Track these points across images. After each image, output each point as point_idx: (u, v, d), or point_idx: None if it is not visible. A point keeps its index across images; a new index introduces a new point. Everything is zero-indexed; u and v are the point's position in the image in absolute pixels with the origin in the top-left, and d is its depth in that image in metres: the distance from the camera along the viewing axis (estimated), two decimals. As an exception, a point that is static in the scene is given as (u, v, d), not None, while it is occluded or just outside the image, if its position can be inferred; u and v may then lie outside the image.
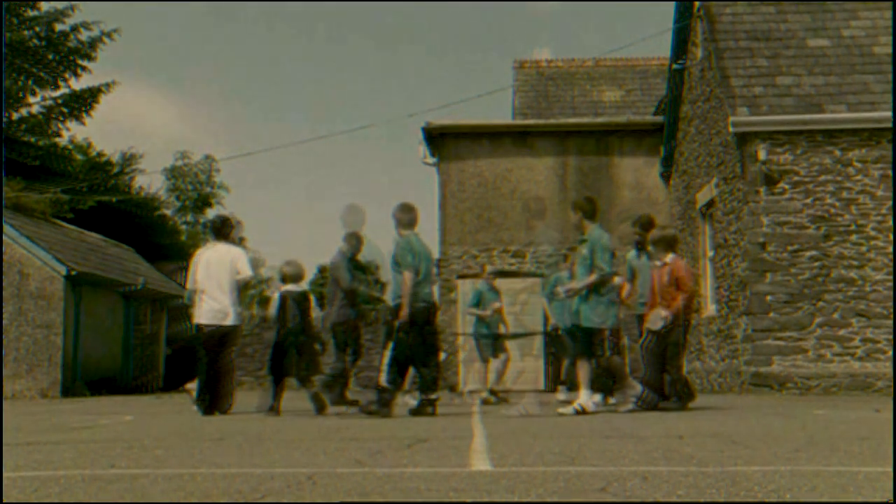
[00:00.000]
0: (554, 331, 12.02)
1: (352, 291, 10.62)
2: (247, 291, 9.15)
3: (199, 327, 9.16)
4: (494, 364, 11.85)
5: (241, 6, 74.15)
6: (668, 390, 9.03)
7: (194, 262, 9.23)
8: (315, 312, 9.29)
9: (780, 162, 13.59)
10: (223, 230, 9.35)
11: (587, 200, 8.61)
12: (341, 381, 10.69)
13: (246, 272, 9.08)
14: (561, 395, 11.27)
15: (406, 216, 8.43)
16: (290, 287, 8.96)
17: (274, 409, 8.87)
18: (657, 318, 8.80)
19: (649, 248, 9.54)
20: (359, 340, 10.90)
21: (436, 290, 12.66)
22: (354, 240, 10.89)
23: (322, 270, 40.14)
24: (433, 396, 8.20)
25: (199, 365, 9.20)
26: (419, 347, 8.12)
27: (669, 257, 8.95)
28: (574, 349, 8.74)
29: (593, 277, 8.19)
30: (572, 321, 8.60)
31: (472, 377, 12.39)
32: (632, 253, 10.22)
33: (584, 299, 8.26)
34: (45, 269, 17.09)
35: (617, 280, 9.58)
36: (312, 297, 9.25)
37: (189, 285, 9.21)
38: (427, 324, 8.22)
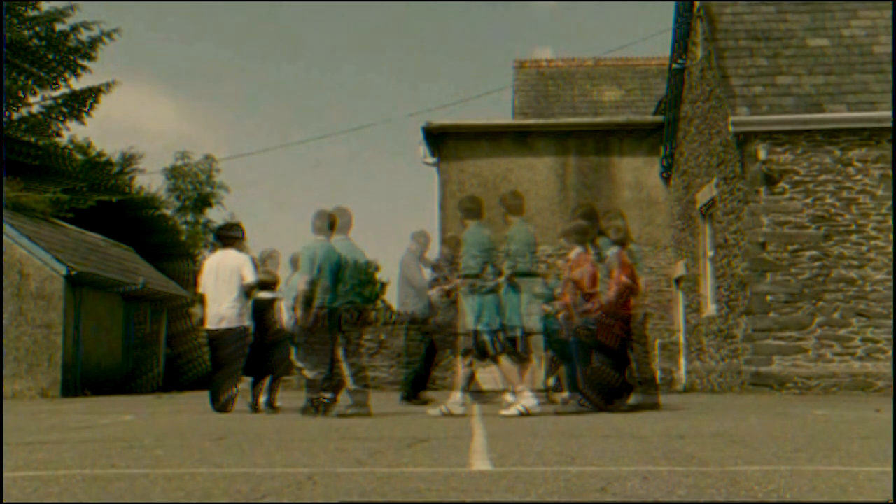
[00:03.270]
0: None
1: (424, 289, 10.86)
2: (252, 296, 9.63)
3: (207, 331, 9.59)
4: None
5: (241, 6, 74.16)
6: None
7: (205, 267, 9.65)
8: (284, 315, 9.63)
9: (780, 162, 13.59)
10: (229, 237, 9.67)
11: (469, 199, 8.37)
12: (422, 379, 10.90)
13: (250, 278, 9.41)
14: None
15: (318, 222, 8.61)
16: (261, 294, 9.62)
17: (254, 407, 9.41)
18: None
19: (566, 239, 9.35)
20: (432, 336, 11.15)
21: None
22: (423, 238, 11.21)
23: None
24: (325, 397, 8.29)
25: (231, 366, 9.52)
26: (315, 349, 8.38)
27: (574, 252, 8.60)
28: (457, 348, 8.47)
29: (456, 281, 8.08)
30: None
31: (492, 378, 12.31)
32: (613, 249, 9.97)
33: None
34: (45, 269, 17.09)
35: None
36: (280, 303, 9.76)
37: (200, 289, 9.63)
38: (323, 328, 8.34)
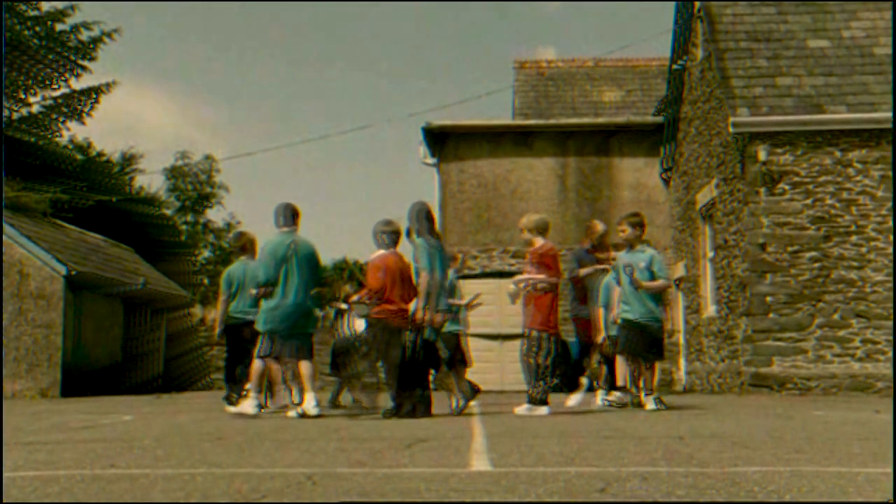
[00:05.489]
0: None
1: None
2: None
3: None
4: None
5: (240, 6, 74.20)
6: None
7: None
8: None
9: (780, 163, 13.60)
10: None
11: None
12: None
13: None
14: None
15: (236, 243, 10.00)
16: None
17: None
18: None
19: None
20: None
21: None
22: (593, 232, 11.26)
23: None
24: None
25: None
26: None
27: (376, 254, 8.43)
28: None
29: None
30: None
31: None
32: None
33: None
34: (45, 269, 17.08)
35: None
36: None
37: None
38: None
